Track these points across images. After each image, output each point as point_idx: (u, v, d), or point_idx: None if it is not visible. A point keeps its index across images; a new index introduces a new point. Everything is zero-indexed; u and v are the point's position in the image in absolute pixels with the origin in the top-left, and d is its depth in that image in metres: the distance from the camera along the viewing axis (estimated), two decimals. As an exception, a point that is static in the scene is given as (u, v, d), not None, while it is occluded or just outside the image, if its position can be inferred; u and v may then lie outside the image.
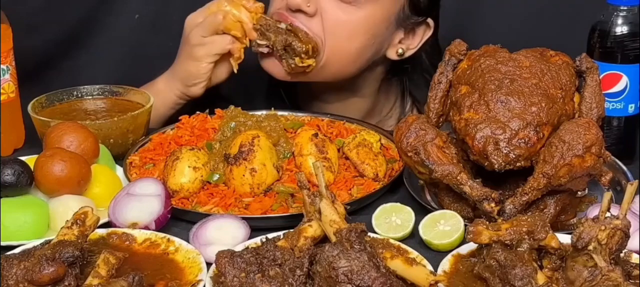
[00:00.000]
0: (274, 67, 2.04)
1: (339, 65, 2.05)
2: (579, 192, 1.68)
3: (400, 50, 2.10)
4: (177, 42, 2.08)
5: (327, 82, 2.11)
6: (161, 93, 2.06)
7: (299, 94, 2.26)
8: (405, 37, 2.10)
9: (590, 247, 1.35)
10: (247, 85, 2.25)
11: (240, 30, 1.97)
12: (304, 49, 1.97)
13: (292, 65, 1.99)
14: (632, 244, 1.45)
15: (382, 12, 2.02)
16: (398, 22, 2.06)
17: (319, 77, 2.07)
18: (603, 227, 1.35)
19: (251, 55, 2.07)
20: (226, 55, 2.00)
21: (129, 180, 1.74)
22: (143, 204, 1.59)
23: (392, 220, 1.59)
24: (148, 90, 2.04)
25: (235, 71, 2.01)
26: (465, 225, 1.53)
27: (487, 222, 1.40)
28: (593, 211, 1.55)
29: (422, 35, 2.11)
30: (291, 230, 1.48)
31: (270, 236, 1.49)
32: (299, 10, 1.98)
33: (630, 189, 1.39)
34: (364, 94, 2.20)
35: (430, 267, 1.42)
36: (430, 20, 2.10)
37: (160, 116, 2.07)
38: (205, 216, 1.59)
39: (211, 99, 2.06)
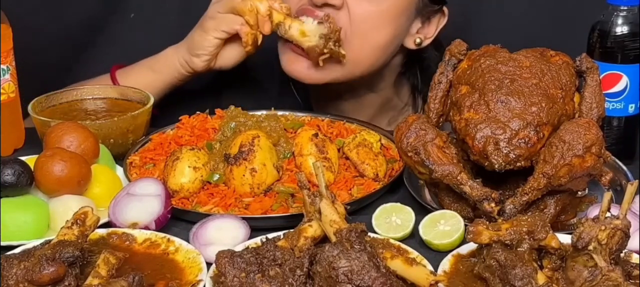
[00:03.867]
0: (301, 70, 2.02)
1: (366, 60, 2.05)
2: (579, 192, 1.68)
3: (418, 40, 2.11)
4: (174, 42, 2.08)
5: (351, 80, 2.09)
6: (168, 58, 2.06)
7: (312, 94, 2.25)
8: (422, 27, 2.11)
9: (591, 247, 1.35)
10: (258, 84, 2.24)
11: (253, 18, 1.95)
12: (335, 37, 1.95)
13: (326, 51, 1.95)
14: (632, 244, 1.45)
15: (405, 1, 2.02)
16: (417, 11, 2.07)
17: (346, 76, 2.05)
18: (603, 227, 1.35)
19: (262, 54, 2.06)
20: (236, 39, 2.00)
21: (129, 180, 1.74)
22: (143, 204, 1.59)
23: (392, 220, 1.59)
24: (157, 56, 2.06)
25: (248, 53, 2.01)
26: (466, 225, 1.53)
27: (487, 222, 1.40)
28: (593, 211, 1.55)
29: (438, 23, 2.12)
30: (291, 230, 1.48)
31: (270, 236, 1.49)
32: (325, 4, 1.96)
33: (630, 189, 1.39)
34: (379, 90, 2.20)
35: (430, 267, 1.42)
36: (445, 8, 2.11)
37: (161, 83, 2.07)
38: (205, 216, 1.59)
39: (219, 96, 2.05)
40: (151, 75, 2.08)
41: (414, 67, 2.23)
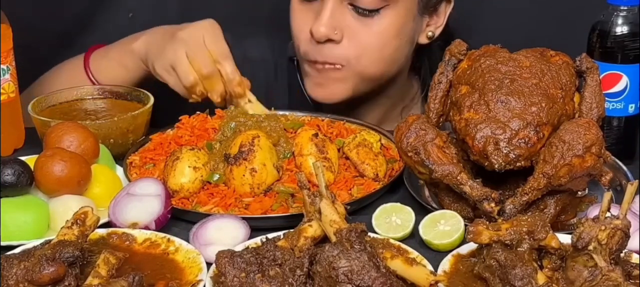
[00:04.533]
0: (332, 93, 2.06)
1: (381, 72, 2.07)
2: (579, 192, 1.68)
3: (430, 33, 2.13)
4: None
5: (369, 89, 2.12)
6: (136, 61, 2.04)
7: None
8: (430, 19, 2.12)
9: (591, 247, 1.35)
10: (267, 86, 2.24)
11: (202, 96, 1.97)
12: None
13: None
14: (632, 244, 1.45)
15: (405, 10, 2.02)
16: (421, 10, 2.07)
17: (367, 87, 2.09)
18: (603, 227, 1.35)
19: (267, 55, 2.06)
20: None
21: (129, 180, 1.74)
22: (143, 204, 1.59)
23: (392, 220, 1.59)
24: (127, 51, 2.04)
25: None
26: (466, 225, 1.53)
27: (487, 222, 1.40)
28: (593, 211, 1.55)
29: (445, 11, 2.13)
30: (291, 230, 1.48)
31: (270, 236, 1.49)
32: (329, 40, 1.99)
33: (630, 189, 1.39)
34: (390, 94, 2.20)
35: (430, 267, 1.42)
36: None
37: (132, 80, 2.06)
38: (206, 216, 1.59)
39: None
40: (123, 72, 2.07)
41: (422, 59, 2.23)
